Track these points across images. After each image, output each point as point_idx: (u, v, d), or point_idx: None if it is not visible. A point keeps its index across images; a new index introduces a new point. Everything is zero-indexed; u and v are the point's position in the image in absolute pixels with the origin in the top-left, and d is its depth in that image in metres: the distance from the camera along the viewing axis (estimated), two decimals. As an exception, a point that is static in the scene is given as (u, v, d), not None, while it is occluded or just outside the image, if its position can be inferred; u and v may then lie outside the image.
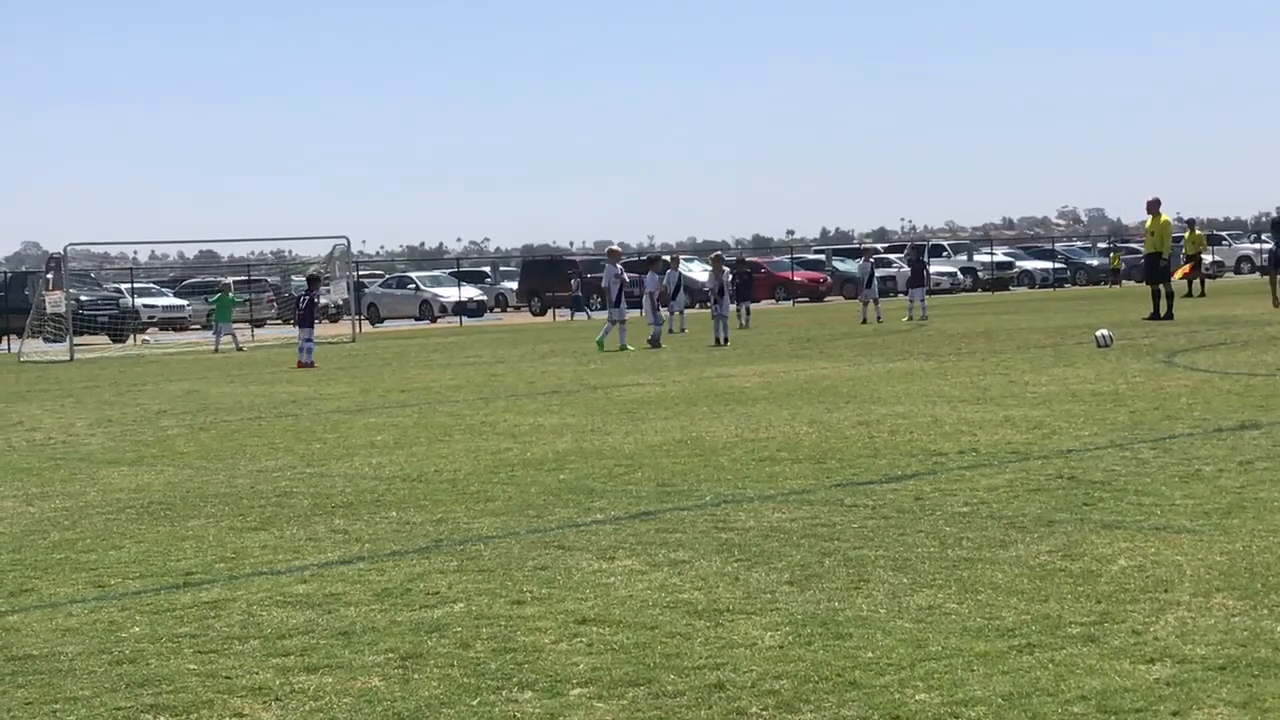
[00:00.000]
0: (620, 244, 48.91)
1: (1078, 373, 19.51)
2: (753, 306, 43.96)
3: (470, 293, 66.34)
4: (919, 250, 47.64)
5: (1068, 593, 7.27)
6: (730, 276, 34.65)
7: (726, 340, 31.74)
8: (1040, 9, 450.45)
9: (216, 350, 40.23)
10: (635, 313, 36.01)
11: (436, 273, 73.17)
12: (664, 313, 32.97)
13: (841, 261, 73.23)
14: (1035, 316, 37.82)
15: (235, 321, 43.86)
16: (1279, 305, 20.24)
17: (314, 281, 35.84)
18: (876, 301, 40.98)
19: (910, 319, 39.45)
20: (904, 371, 21.51)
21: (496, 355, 31.87)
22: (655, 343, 31.90)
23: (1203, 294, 45.95)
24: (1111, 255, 72.47)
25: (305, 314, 32.19)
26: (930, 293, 66.98)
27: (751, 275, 46.57)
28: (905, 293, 43.72)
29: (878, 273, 42.93)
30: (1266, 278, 20.62)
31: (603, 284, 35.73)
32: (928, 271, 43.63)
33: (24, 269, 64.64)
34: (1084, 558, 8.04)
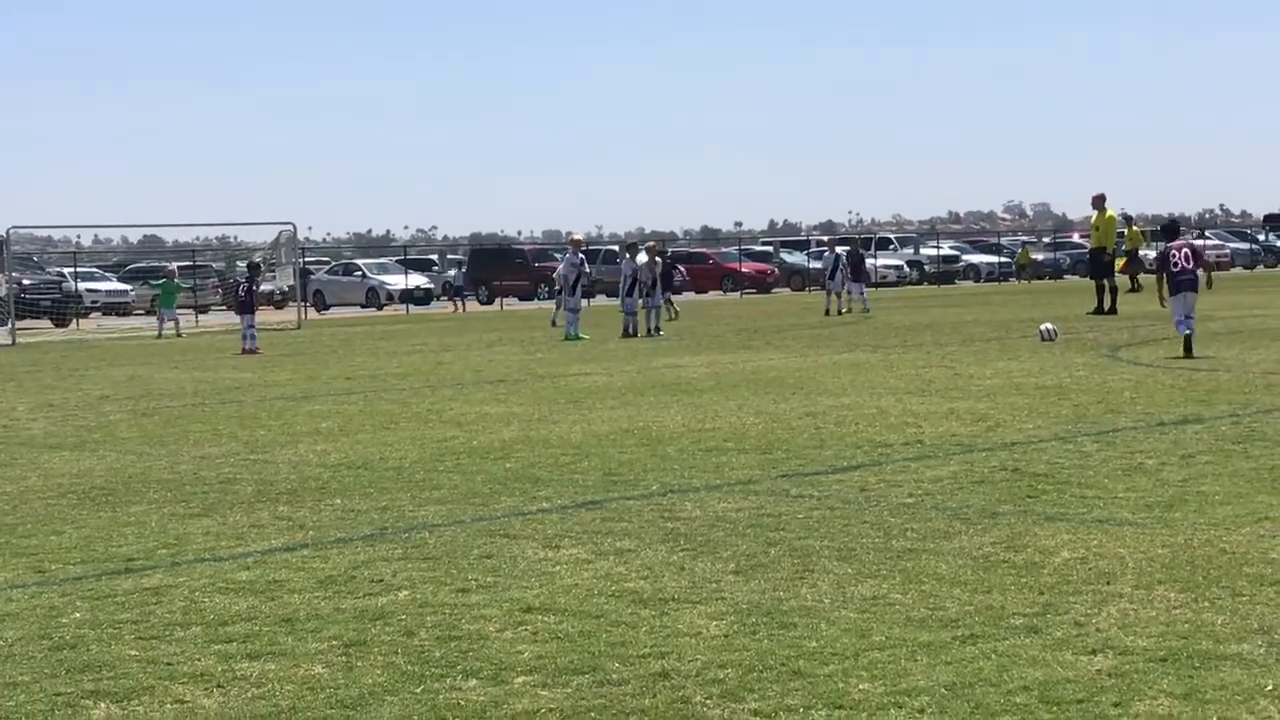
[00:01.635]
0: (567, 233, 48.56)
1: (1022, 366, 19.63)
2: (700, 297, 43.95)
3: (417, 281, 66.09)
4: (859, 244, 47.55)
5: (1011, 584, 7.31)
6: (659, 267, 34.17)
7: (659, 330, 31.60)
8: (987, 3, 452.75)
9: (159, 336, 39.96)
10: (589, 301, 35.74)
11: (383, 260, 72.87)
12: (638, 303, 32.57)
13: (789, 254, 73.38)
14: (980, 310, 38.03)
15: (179, 307, 43.55)
16: (1164, 304, 20.72)
17: (255, 269, 36.12)
18: (840, 294, 40.62)
19: (848, 311, 39.47)
20: (850, 363, 21.59)
21: (443, 343, 31.79)
22: (629, 332, 31.50)
23: (1138, 288, 46.25)
24: (1020, 251, 72.83)
25: (245, 301, 32.29)
26: (876, 285, 67.52)
27: (673, 266, 46.71)
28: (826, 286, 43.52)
29: (812, 265, 42.90)
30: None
31: (558, 272, 35.51)
32: (867, 266, 43.54)
33: (-35, 252, 64.08)
34: (1027, 549, 8.08)
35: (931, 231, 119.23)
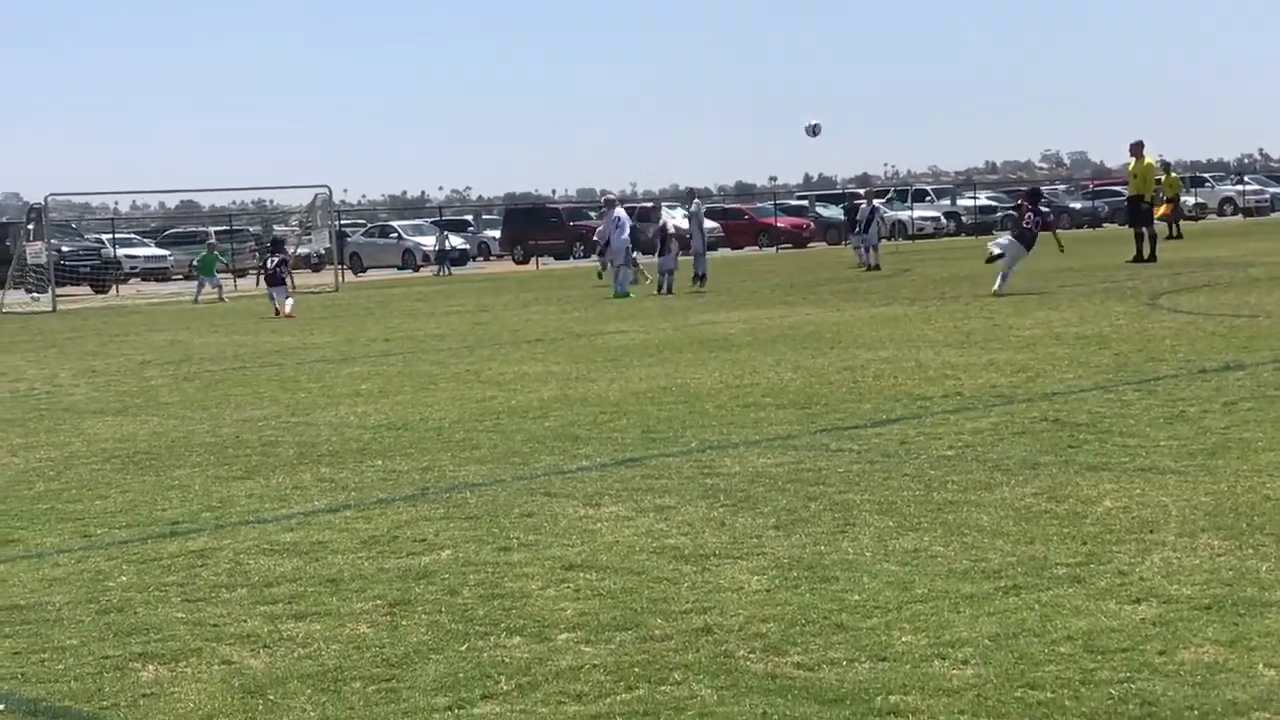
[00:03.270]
0: (602, 191, 48.41)
1: (1062, 315, 19.54)
2: (736, 253, 43.62)
3: (453, 241, 66.14)
4: (875, 196, 46.23)
5: (1053, 534, 7.30)
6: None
7: (670, 290, 31.24)
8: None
9: (196, 301, 40.11)
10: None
11: (419, 221, 72.92)
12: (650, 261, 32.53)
13: (825, 207, 73.10)
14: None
15: (220, 272, 43.73)
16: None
17: (278, 244, 36.18)
18: (874, 248, 39.17)
19: (867, 267, 38.38)
20: (888, 316, 21.52)
21: (480, 304, 31.83)
22: (664, 290, 31.29)
23: (1179, 236, 45.90)
24: (1018, 204, 72.14)
25: (273, 275, 32.53)
26: (913, 237, 67.18)
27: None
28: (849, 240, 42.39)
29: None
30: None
31: (599, 231, 35.34)
32: (881, 218, 42.04)
33: (4, 220, 64.36)
34: (1069, 499, 8.06)
35: (968, 182, 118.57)
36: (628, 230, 32.82)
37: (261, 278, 34.35)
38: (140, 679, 5.81)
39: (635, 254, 34.41)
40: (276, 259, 33.02)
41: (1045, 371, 13.70)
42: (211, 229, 59.04)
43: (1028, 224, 25.13)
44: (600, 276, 34.79)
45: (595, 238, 36.27)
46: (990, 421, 10.93)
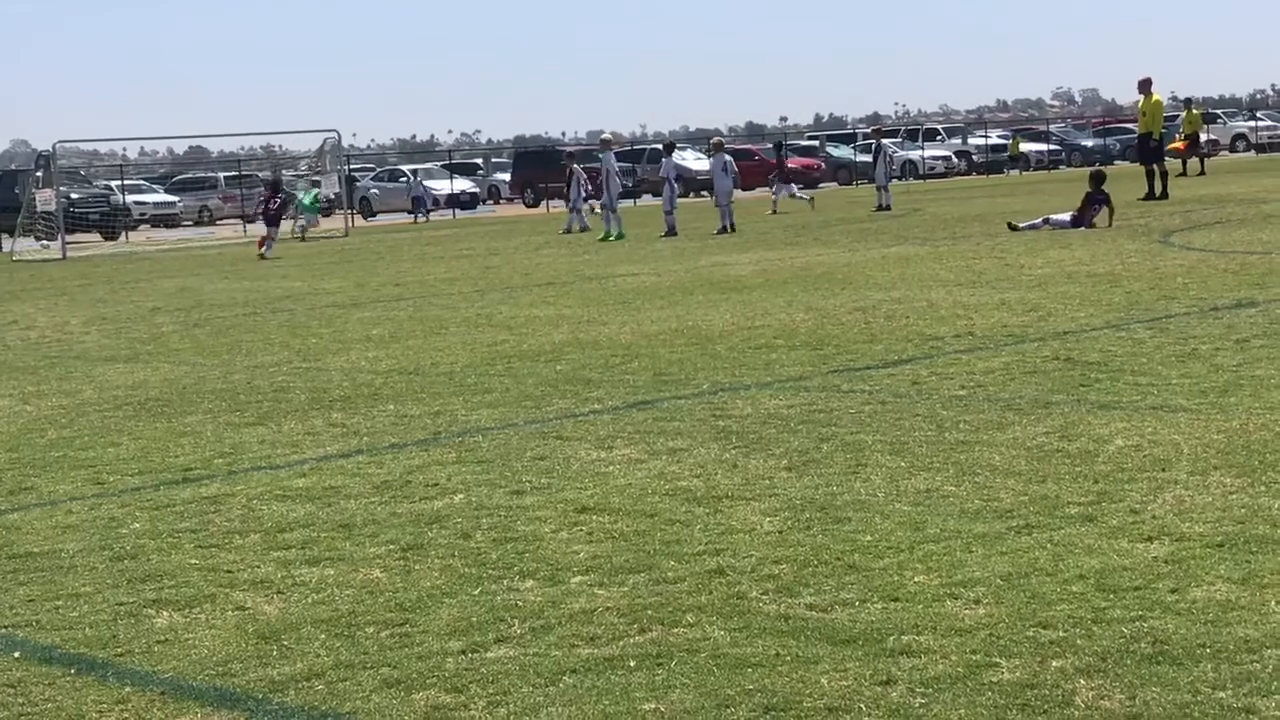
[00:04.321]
0: (613, 133, 48.13)
1: (1073, 255, 19.47)
2: (747, 194, 43.37)
3: (463, 185, 66.02)
4: (884, 135, 45.51)
5: (1065, 473, 7.29)
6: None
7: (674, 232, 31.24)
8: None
9: (303, 238, 41.98)
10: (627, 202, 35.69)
11: (429, 165, 72.78)
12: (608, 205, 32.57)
13: (835, 148, 72.82)
14: (1030, 199, 37.66)
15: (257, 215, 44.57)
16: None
17: (275, 185, 38.09)
18: (885, 188, 38.23)
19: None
20: (899, 256, 21.47)
21: (490, 248, 31.78)
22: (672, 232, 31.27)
23: (1202, 173, 45.69)
24: (1010, 141, 71.62)
25: (274, 214, 35.00)
26: (924, 177, 66.93)
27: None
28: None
29: (859, 158, 41.23)
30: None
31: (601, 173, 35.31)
32: (888, 156, 41.32)
33: (13, 167, 64.29)
34: (1081, 438, 8.05)
35: (979, 121, 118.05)
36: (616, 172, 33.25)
37: (261, 217, 35.94)
38: (154, 625, 5.83)
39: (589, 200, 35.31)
40: (280, 199, 35.47)
41: (1057, 310, 13.66)
42: (221, 175, 58.94)
43: (1087, 212, 24.45)
44: (570, 230, 35.04)
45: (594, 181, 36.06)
46: (1002, 361, 10.91)
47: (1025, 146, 74.21)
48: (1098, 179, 25.26)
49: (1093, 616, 5.18)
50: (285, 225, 41.26)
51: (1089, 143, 76.28)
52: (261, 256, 33.13)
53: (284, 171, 68.80)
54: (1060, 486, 7.04)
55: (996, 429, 8.45)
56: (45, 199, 42.72)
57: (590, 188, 36.95)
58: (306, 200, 44.93)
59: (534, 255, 27.88)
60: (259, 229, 37.75)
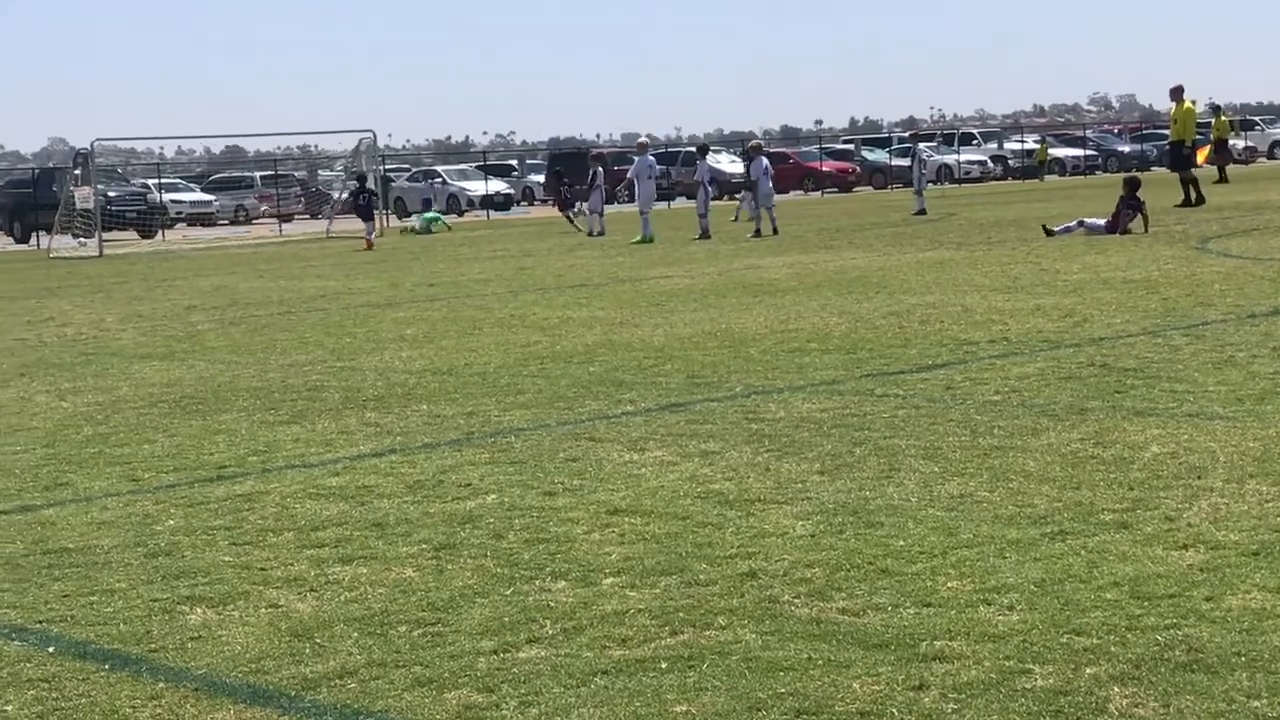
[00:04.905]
0: (649, 135, 48.03)
1: (1109, 260, 19.39)
2: (782, 197, 43.08)
3: (497, 186, 66.12)
4: (919, 140, 45.11)
5: (1100, 480, 7.26)
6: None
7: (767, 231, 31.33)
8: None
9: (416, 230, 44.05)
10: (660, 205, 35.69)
11: (463, 166, 72.90)
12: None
13: (870, 151, 72.67)
14: (1066, 204, 37.49)
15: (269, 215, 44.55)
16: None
17: (361, 180, 41.86)
18: (920, 193, 37.79)
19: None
20: (934, 261, 21.41)
21: (524, 249, 31.82)
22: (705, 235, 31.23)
23: (1224, 180, 45.41)
24: (1039, 148, 71.11)
25: (365, 208, 38.05)
26: (959, 181, 66.73)
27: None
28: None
29: (895, 162, 40.89)
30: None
31: (629, 175, 35.26)
32: (922, 161, 40.90)
33: (51, 165, 64.70)
34: (1116, 445, 8.01)
35: (1015, 125, 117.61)
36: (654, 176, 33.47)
37: (350, 211, 39.42)
38: (188, 622, 5.85)
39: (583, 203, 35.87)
40: (367, 194, 38.52)
41: (1092, 316, 13.60)
42: (257, 174, 59.08)
43: (1121, 217, 24.54)
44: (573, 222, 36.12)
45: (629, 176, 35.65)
46: (1037, 366, 10.87)
47: (1059, 152, 73.91)
48: (1132, 185, 25.24)
49: (1127, 624, 5.16)
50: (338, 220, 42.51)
51: (1125, 148, 75.93)
52: (370, 246, 35.69)
53: (319, 171, 69.15)
54: (1095, 493, 7.00)
55: (1031, 435, 8.42)
56: (83, 197, 42.94)
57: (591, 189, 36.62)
58: (427, 216, 47.64)
59: (567, 256, 27.90)
60: (292, 229, 38.48)
